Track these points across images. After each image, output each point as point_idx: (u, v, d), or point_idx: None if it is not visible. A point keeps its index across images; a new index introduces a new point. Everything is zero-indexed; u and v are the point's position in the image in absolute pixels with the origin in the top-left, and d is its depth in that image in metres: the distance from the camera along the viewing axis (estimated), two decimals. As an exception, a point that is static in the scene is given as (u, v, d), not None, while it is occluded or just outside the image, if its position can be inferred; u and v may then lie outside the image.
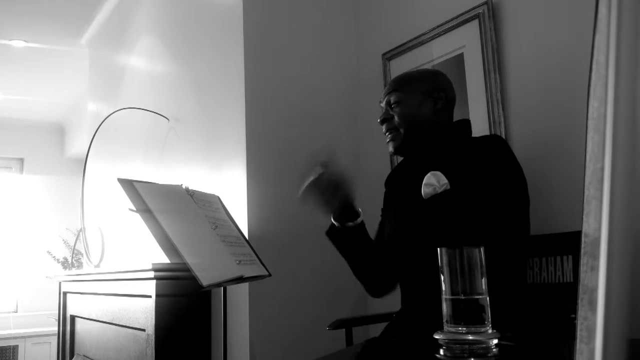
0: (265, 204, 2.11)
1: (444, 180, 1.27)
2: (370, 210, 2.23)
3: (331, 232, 1.51)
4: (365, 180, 2.41)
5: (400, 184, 1.51)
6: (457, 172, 1.29)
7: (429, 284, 1.00)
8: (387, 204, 1.59)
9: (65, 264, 5.07)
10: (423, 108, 1.43)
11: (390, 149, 1.46)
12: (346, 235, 1.49)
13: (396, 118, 1.44)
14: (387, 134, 1.47)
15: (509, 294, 1.27)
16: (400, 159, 1.60)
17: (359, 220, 1.49)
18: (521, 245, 1.30)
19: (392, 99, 1.46)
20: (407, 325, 1.39)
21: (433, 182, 1.28)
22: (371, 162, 2.39)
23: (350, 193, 1.42)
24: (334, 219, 1.49)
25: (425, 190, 1.29)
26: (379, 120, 1.48)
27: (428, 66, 2.11)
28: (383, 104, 1.50)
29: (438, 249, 0.84)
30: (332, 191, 1.38)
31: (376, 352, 1.35)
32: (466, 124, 1.47)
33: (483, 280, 0.80)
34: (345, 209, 1.45)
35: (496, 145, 1.32)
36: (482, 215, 1.24)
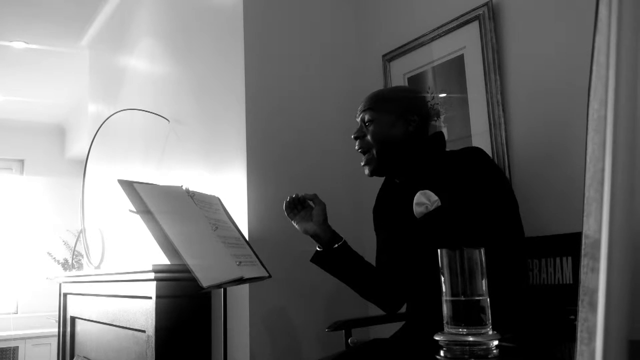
0: (266, 205, 2.11)
1: (434, 197, 1.30)
2: (370, 214, 2.22)
3: (315, 257, 1.60)
4: (366, 182, 2.41)
5: (388, 208, 1.54)
6: (443, 188, 1.31)
7: (434, 300, 1.00)
8: (379, 225, 1.63)
9: (66, 265, 5.07)
10: (395, 129, 1.44)
11: (366, 172, 1.49)
12: (330, 258, 1.57)
13: (369, 137, 1.46)
14: (360, 152, 1.50)
15: (510, 296, 1.27)
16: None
17: (338, 244, 1.57)
18: (518, 248, 1.31)
19: (366, 117, 1.47)
20: (418, 329, 1.39)
21: (424, 200, 1.31)
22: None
23: (320, 215, 1.56)
24: (318, 246, 1.59)
25: (417, 210, 1.32)
26: (352, 136, 1.51)
27: (428, 67, 2.11)
28: (358, 120, 1.52)
29: (439, 250, 0.84)
30: (304, 213, 1.57)
31: (376, 354, 1.34)
32: (440, 137, 1.49)
33: (483, 281, 0.80)
34: (321, 228, 1.56)
35: (476, 157, 1.34)
36: (477, 224, 1.26)
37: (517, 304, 1.30)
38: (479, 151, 1.36)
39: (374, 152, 1.45)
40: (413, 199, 1.34)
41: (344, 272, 1.59)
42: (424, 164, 1.42)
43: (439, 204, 1.29)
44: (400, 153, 1.44)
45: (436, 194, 1.30)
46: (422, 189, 1.33)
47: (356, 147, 1.50)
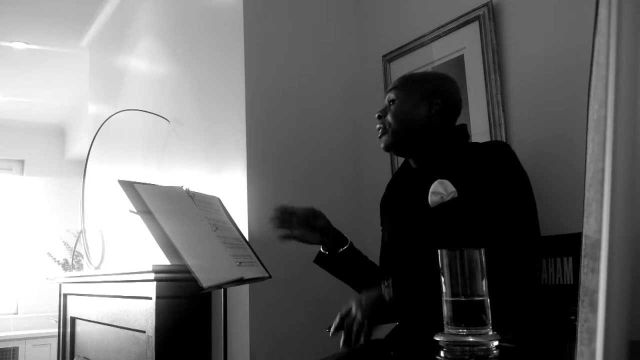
0: (266, 206, 2.10)
1: (451, 188, 1.27)
2: (370, 213, 2.23)
3: (319, 260, 1.58)
4: (366, 183, 2.41)
5: (400, 196, 1.51)
6: (462, 180, 1.28)
7: (436, 290, 0.99)
8: (386, 216, 1.60)
9: (66, 266, 5.07)
10: (417, 111, 1.42)
11: (381, 145, 1.47)
12: (336, 261, 1.56)
13: (389, 116, 1.45)
14: (379, 130, 1.48)
15: (520, 296, 1.25)
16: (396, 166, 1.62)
17: (345, 247, 1.55)
18: (533, 249, 1.27)
19: (391, 96, 1.47)
20: (412, 331, 1.38)
21: (440, 190, 1.28)
22: (371, 163, 2.39)
23: (324, 223, 1.52)
24: (322, 249, 1.57)
25: (432, 199, 1.29)
26: (375, 115, 1.49)
27: (428, 68, 2.11)
28: (386, 100, 1.51)
29: (438, 250, 0.84)
30: (307, 226, 1.52)
31: (376, 354, 1.34)
32: (463, 129, 1.47)
33: (483, 281, 0.80)
34: (328, 236, 1.53)
35: (501, 152, 1.31)
36: (491, 222, 1.23)
37: (527, 305, 1.28)
38: (505, 146, 1.33)
39: (390, 130, 1.44)
40: (429, 187, 1.31)
41: (349, 275, 1.58)
42: (444, 153, 1.39)
43: (456, 195, 1.26)
44: (418, 135, 1.41)
45: (455, 185, 1.27)
46: (441, 178, 1.30)
47: (377, 126, 1.48)
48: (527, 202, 1.28)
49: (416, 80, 1.47)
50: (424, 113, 1.42)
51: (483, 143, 1.39)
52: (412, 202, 1.41)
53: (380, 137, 1.46)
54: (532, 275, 1.32)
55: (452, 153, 1.38)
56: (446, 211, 1.27)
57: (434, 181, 1.31)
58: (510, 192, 1.26)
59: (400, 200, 1.50)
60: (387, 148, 1.47)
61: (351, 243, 1.56)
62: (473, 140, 1.88)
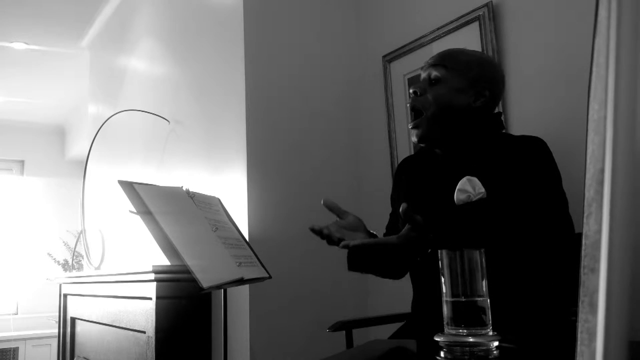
0: (266, 206, 2.11)
1: (480, 188, 1.17)
2: (369, 212, 2.24)
3: (353, 262, 1.41)
4: (366, 182, 2.41)
5: (426, 179, 1.38)
6: (492, 176, 1.19)
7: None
8: (399, 193, 1.48)
9: (66, 266, 5.07)
10: (461, 97, 1.27)
11: (414, 138, 1.32)
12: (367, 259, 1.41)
13: (429, 97, 1.28)
14: (412, 110, 1.32)
15: (562, 294, 1.21)
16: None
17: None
18: (570, 245, 1.19)
19: (434, 74, 1.30)
20: (419, 329, 1.38)
21: (468, 189, 1.18)
22: (371, 164, 2.39)
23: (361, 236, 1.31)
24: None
25: (458, 197, 1.19)
26: (410, 90, 1.32)
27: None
28: (424, 75, 1.33)
29: (438, 251, 0.84)
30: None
31: (376, 354, 1.34)
32: (499, 119, 1.34)
33: (484, 282, 0.80)
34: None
35: (536, 150, 1.22)
36: (520, 221, 1.14)
37: (566, 301, 1.23)
38: (541, 143, 1.23)
39: (429, 114, 1.27)
40: (454, 175, 1.21)
41: (386, 261, 1.42)
42: (476, 144, 1.28)
43: (484, 196, 1.16)
44: (456, 125, 1.27)
45: (483, 182, 1.16)
46: (469, 169, 1.20)
47: (409, 104, 1.32)
48: (560, 199, 1.19)
49: (466, 62, 1.30)
50: (468, 102, 1.27)
51: (518, 137, 1.29)
52: (436, 194, 1.30)
53: (414, 127, 1.30)
54: (572, 271, 1.28)
55: (484, 144, 1.28)
56: (472, 211, 1.17)
57: (461, 174, 1.21)
58: (543, 190, 1.17)
59: (423, 187, 1.37)
60: (422, 140, 1.31)
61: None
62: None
